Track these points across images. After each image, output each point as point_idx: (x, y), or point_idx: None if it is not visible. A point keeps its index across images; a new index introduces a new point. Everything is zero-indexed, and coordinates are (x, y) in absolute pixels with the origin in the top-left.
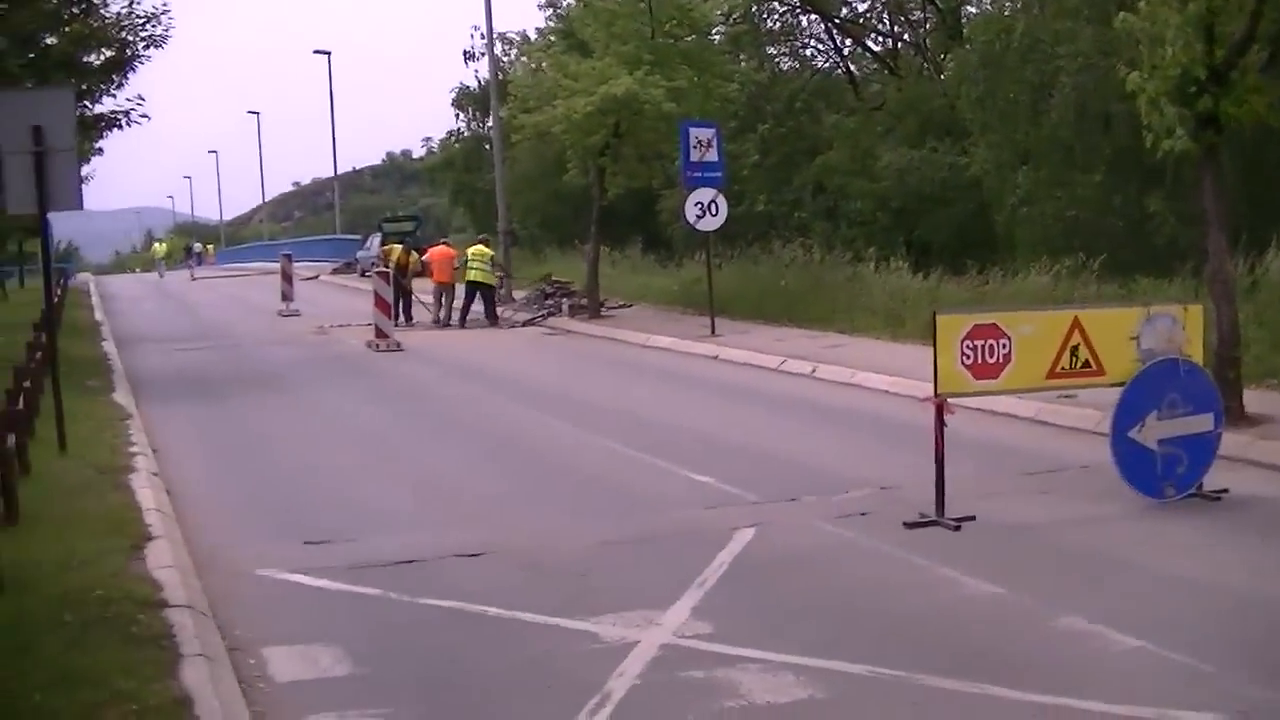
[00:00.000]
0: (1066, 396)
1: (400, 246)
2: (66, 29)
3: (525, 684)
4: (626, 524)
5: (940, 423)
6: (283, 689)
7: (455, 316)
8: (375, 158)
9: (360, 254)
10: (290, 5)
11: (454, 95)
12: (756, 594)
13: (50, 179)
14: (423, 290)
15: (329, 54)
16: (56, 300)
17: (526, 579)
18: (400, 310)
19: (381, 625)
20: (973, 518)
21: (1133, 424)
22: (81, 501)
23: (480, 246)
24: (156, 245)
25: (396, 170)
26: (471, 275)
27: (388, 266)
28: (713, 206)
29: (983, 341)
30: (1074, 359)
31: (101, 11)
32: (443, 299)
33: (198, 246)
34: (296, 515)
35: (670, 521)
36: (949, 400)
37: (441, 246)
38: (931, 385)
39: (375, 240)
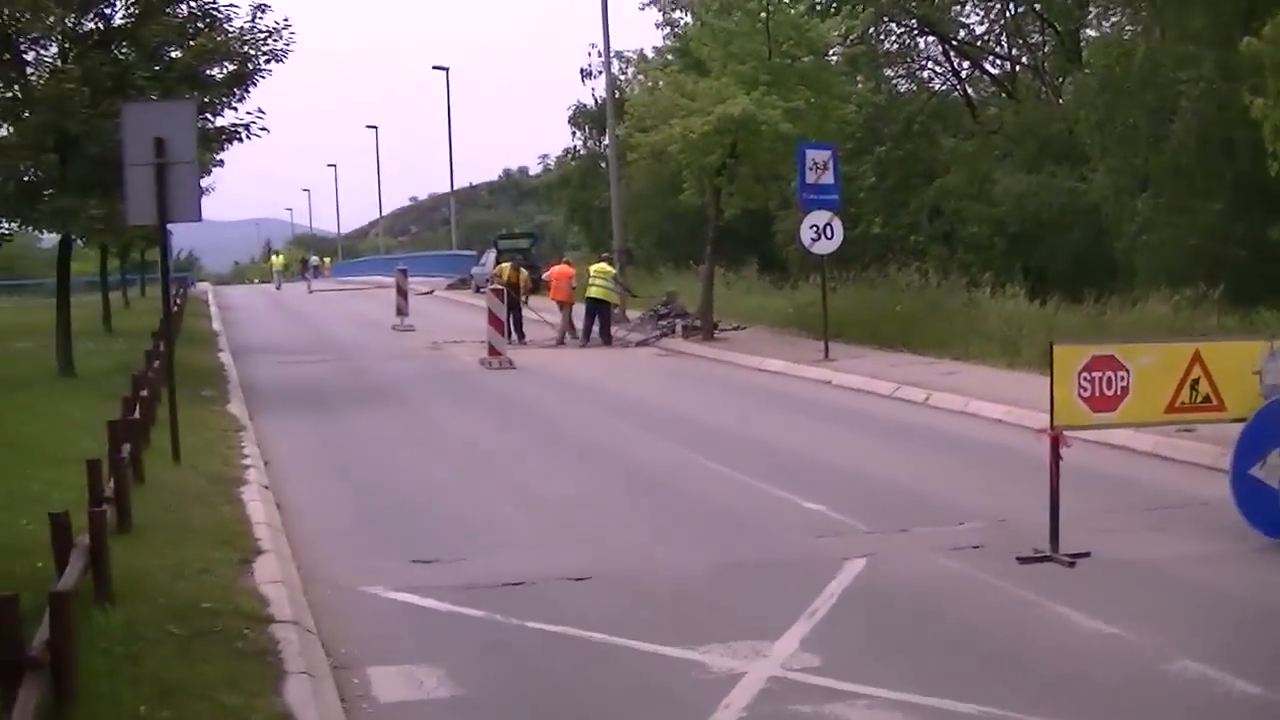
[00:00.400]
0: (1185, 430)
1: (509, 264)
2: (191, 43)
3: (629, 713)
4: (736, 550)
5: (1056, 456)
6: (385, 709)
7: (570, 335)
8: (492, 174)
9: (475, 270)
10: (410, 22)
11: (570, 113)
12: (866, 627)
13: (170, 191)
14: (542, 308)
15: (447, 70)
16: (175, 310)
17: (633, 604)
18: (511, 328)
19: (486, 648)
20: (1087, 554)
21: (1254, 461)
22: (193, 512)
23: (603, 265)
24: (275, 257)
25: (513, 187)
26: (593, 292)
27: (500, 284)
28: (828, 229)
29: (1101, 373)
30: (1194, 393)
31: (225, 26)
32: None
33: (314, 259)
34: (405, 532)
35: (780, 549)
36: (1065, 433)
37: (561, 266)
38: (1047, 415)
39: (490, 256)
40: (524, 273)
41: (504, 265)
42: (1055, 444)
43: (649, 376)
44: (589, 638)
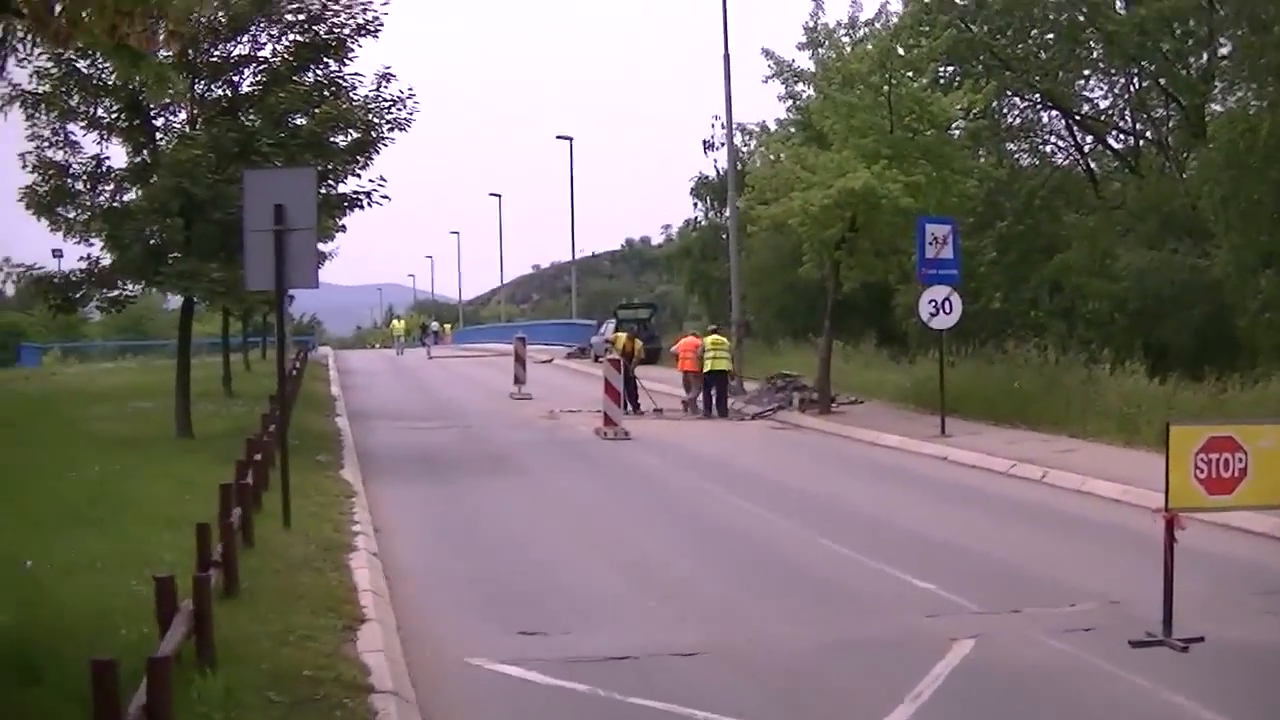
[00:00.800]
0: None
1: (625, 334)
2: (316, 110)
3: None
4: (843, 628)
5: (1170, 538)
6: None
7: (692, 407)
8: (613, 243)
9: (594, 339)
10: (534, 91)
11: (692, 184)
12: (972, 711)
13: (289, 257)
14: (643, 377)
15: (571, 140)
16: (295, 373)
17: (739, 681)
18: (626, 398)
19: None
20: (1201, 638)
21: None
22: (300, 578)
23: (717, 336)
24: (396, 323)
25: (634, 256)
26: (719, 364)
27: (616, 353)
28: (947, 304)
29: (1218, 455)
30: None
31: (350, 94)
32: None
33: (434, 325)
34: (512, 603)
35: (888, 628)
36: (1180, 515)
37: (690, 337)
38: (1165, 496)
39: (610, 326)
40: (638, 342)
41: (620, 334)
42: (1170, 526)
43: (764, 449)
44: (692, 715)
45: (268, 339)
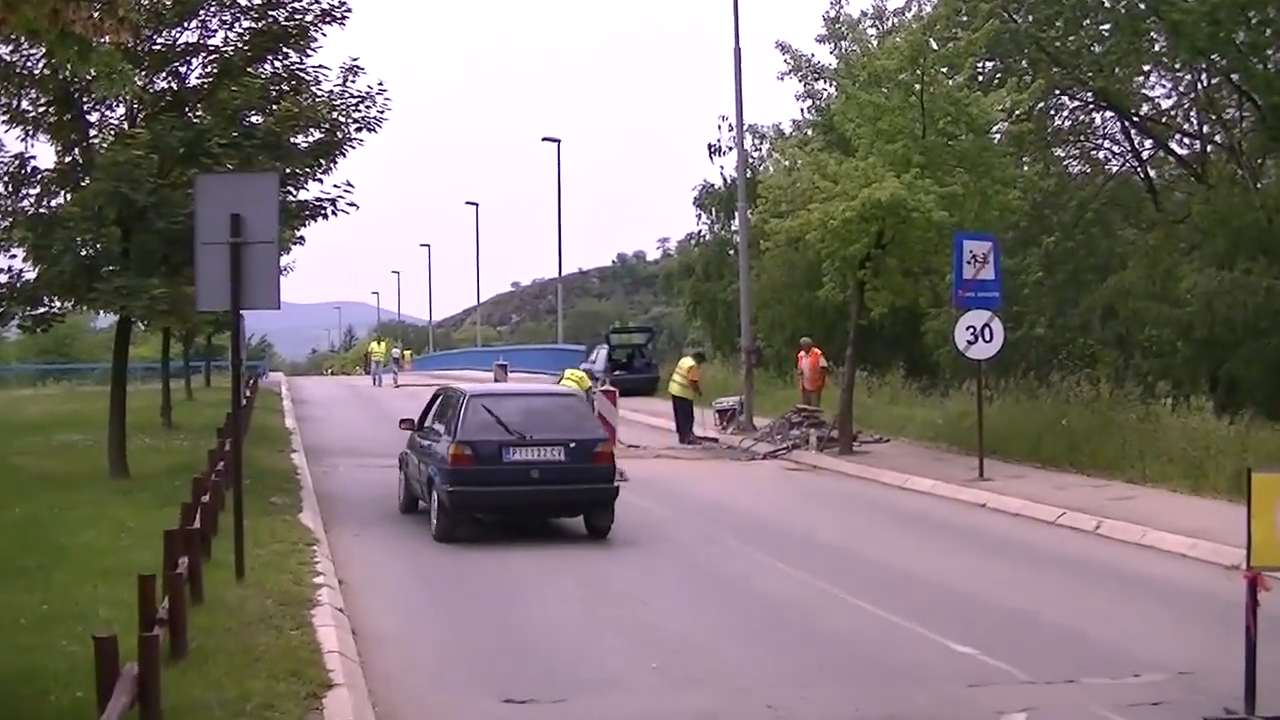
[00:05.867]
0: None
1: (693, 361)
2: (274, 107)
3: None
4: (875, 699)
5: (1253, 600)
6: None
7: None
8: (604, 259)
9: (585, 367)
10: (518, 88)
11: (695, 194)
12: None
13: (247, 274)
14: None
15: (558, 142)
16: (245, 403)
17: None
18: (688, 429)
19: None
20: None
21: None
22: (257, 637)
23: (575, 370)
24: (374, 345)
25: (627, 274)
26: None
27: (686, 382)
28: (986, 331)
29: None
30: None
31: (313, 89)
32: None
33: (396, 352)
34: (497, 666)
35: (926, 699)
36: (1264, 574)
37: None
38: (1240, 550)
39: (601, 353)
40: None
41: (686, 360)
42: (1253, 586)
43: (778, 494)
44: None
45: (212, 364)
